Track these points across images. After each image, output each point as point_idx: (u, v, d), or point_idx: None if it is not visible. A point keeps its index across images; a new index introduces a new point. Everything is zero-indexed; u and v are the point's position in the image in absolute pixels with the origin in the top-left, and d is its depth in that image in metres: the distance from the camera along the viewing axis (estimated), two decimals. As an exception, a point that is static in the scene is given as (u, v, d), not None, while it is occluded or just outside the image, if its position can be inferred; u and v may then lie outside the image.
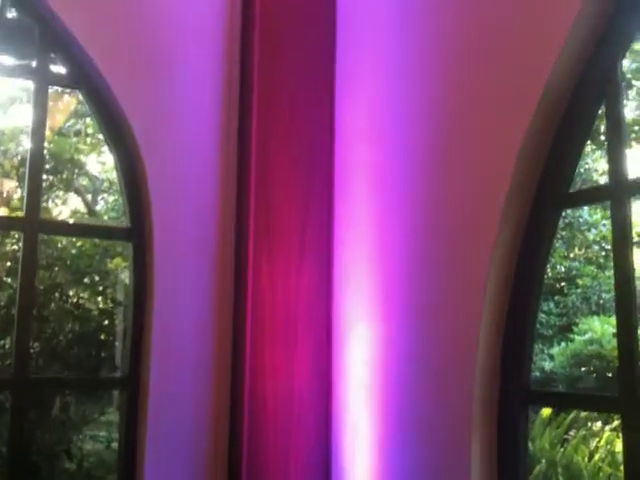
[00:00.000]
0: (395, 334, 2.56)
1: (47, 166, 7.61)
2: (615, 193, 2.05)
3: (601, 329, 8.54)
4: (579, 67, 2.08)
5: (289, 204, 2.85)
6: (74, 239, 6.93)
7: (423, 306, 2.47)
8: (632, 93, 7.59)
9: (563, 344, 9.08)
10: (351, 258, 2.83)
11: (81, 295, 6.89)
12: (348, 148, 2.94)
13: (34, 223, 2.76)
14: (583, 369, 8.49)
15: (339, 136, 3.00)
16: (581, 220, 9.31)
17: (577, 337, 8.86)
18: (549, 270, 9.10)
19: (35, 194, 2.79)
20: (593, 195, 2.28)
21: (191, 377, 2.82)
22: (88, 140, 8.95)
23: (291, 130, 2.91)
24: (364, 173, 2.82)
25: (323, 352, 2.84)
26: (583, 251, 9.49)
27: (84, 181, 10.06)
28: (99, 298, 7.12)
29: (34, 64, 2.87)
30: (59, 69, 3.03)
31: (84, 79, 2.88)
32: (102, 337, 7.06)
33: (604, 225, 9.41)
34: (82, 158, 9.16)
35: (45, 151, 3.38)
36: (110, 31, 2.82)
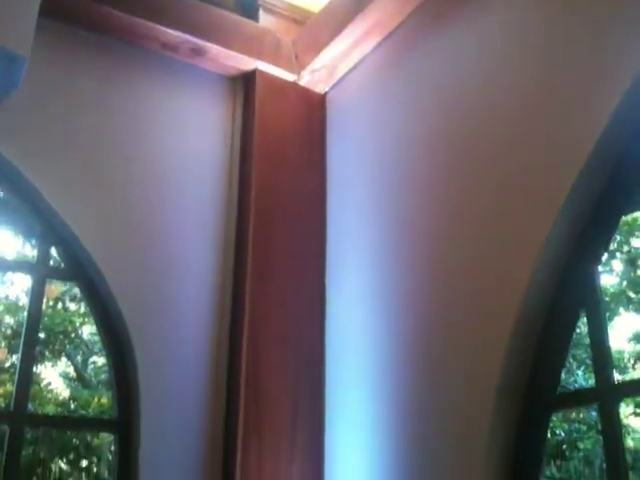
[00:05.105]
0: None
1: (40, 336, 7.61)
2: (602, 396, 2.08)
3: (606, 500, 8.17)
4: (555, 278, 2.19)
5: (279, 412, 2.85)
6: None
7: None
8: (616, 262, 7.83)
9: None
10: (342, 455, 2.79)
11: (64, 470, 6.62)
12: (338, 362, 2.97)
13: (21, 418, 2.74)
14: None
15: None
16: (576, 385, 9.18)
17: (583, 508, 8.45)
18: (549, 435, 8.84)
19: (25, 386, 2.79)
20: (581, 397, 2.32)
21: None
22: (82, 306, 9.01)
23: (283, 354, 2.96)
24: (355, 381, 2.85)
25: None
26: (582, 415, 9.30)
27: (75, 345, 10.00)
28: (82, 474, 6.84)
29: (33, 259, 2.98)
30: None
31: (81, 274, 2.97)
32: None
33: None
34: (76, 327, 9.15)
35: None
36: (109, 229, 2.95)
